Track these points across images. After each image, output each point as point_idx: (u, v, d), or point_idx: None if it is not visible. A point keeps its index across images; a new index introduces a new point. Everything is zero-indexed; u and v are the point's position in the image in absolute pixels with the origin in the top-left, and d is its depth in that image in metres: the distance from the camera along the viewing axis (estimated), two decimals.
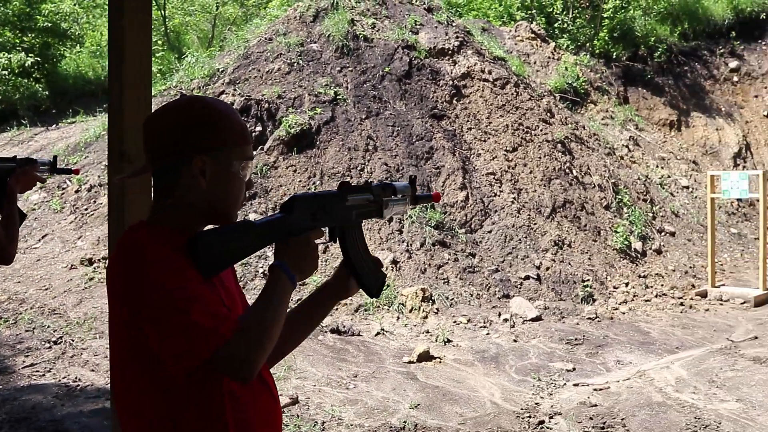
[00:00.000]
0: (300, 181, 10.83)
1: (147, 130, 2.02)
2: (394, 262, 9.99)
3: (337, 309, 9.17)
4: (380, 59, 12.93)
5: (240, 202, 2.09)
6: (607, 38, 18.41)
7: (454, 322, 9.17)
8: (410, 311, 9.28)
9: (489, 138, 12.51)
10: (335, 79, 12.42)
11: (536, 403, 6.81)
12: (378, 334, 8.66)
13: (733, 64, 18.86)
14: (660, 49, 18.28)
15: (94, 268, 9.62)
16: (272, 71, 12.41)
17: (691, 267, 12.33)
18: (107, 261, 2.08)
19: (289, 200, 2.08)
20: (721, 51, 19.20)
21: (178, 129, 1.97)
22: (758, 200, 12.65)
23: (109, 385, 6.70)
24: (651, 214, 13.46)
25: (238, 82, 12.31)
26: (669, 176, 15.37)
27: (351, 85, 12.40)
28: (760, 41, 19.46)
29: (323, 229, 2.17)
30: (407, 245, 10.28)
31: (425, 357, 7.86)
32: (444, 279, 10.02)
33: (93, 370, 7.17)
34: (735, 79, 18.76)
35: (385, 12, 14.12)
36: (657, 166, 15.52)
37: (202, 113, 1.99)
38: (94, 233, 10.32)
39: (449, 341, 8.55)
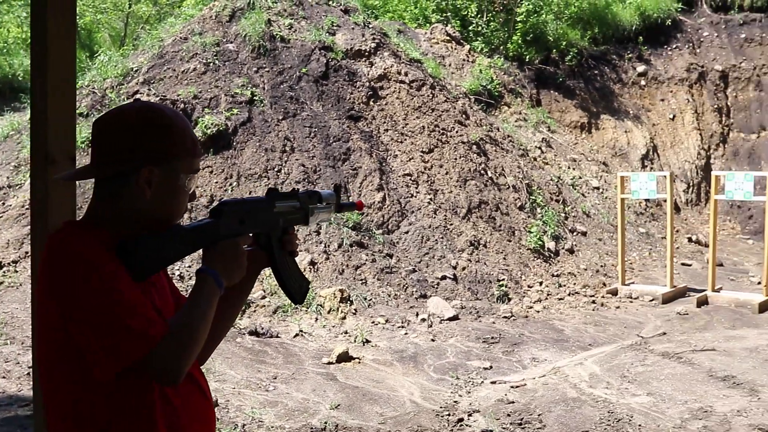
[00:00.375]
0: (216, 182, 10.72)
1: (97, 133, 1.98)
2: (312, 263, 9.99)
3: (255, 311, 9.13)
4: (297, 60, 12.89)
5: (182, 214, 2.08)
6: (520, 42, 18.71)
7: (373, 322, 9.21)
8: (328, 312, 9.29)
9: (405, 139, 12.60)
10: (252, 80, 12.33)
11: (455, 401, 6.90)
12: (297, 335, 8.65)
13: (641, 68, 19.42)
14: (571, 53, 18.67)
15: (4, 272, 9.33)
16: (188, 71, 12.25)
17: (602, 266, 12.65)
18: (39, 263, 2.04)
19: (218, 206, 2.09)
20: (629, 55, 19.73)
21: (129, 137, 1.95)
22: (665, 200, 13.05)
23: (21, 392, 6.54)
24: (563, 215, 13.75)
25: (152, 82, 12.11)
26: (580, 177, 15.73)
27: (268, 86, 12.33)
28: (665, 47, 20.10)
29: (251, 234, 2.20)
30: (325, 246, 10.29)
31: (344, 358, 7.88)
32: (362, 280, 10.06)
33: (4, 377, 6.96)
34: (642, 83, 19.31)
35: (302, 13, 14.08)
36: (569, 168, 15.86)
37: (155, 123, 1.97)
38: (3, 236, 10.01)
39: (368, 342, 8.60)
